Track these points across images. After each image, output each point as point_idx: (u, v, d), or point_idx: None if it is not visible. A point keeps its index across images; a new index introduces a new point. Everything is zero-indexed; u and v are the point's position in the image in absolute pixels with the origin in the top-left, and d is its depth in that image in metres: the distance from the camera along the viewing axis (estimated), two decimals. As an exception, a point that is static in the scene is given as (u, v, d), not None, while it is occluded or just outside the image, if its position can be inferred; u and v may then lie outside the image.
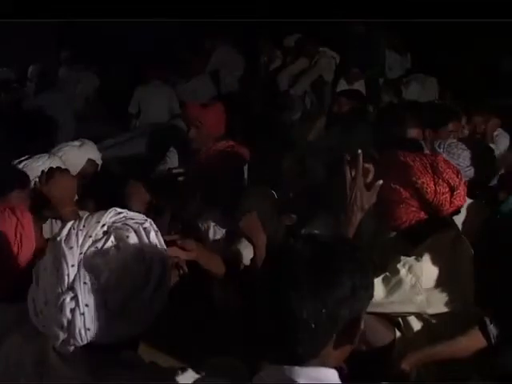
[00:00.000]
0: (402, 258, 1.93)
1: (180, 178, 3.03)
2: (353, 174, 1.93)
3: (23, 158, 2.70)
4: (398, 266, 1.92)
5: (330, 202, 2.05)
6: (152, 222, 1.32)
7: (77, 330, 1.16)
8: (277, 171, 3.37)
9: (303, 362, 1.11)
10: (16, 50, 6.90)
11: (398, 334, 2.00)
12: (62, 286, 1.17)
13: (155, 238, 1.28)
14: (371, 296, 1.15)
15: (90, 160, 3.08)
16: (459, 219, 2.28)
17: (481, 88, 5.52)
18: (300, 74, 6.20)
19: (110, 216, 1.29)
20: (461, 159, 2.63)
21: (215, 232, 2.51)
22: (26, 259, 1.61)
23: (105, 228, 1.25)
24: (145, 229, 1.27)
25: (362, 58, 5.86)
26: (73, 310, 1.16)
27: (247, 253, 2.16)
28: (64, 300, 1.16)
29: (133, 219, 1.30)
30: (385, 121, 3.29)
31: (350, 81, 5.76)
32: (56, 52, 7.58)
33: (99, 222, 1.26)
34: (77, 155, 3.02)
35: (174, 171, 3.14)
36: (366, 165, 1.91)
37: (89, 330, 1.16)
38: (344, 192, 1.91)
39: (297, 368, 1.10)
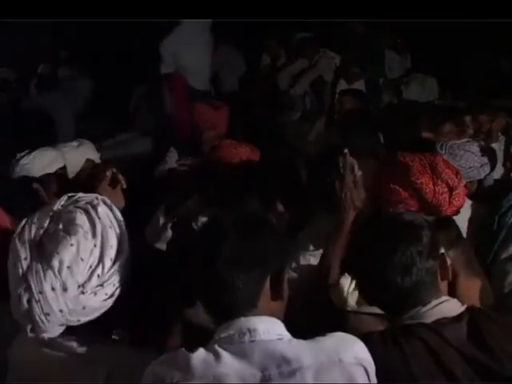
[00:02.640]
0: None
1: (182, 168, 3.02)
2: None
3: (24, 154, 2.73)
4: (398, 266, 1.91)
5: (328, 201, 2.04)
6: (105, 199, 1.36)
7: (37, 317, 1.21)
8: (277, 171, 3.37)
9: (243, 311, 1.23)
10: (16, 50, 6.89)
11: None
12: (16, 279, 1.23)
13: (105, 211, 1.31)
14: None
15: (88, 160, 3.08)
16: (464, 218, 2.28)
17: (481, 88, 5.51)
18: (300, 73, 6.20)
19: (62, 203, 1.34)
20: (463, 160, 2.62)
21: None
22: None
23: (55, 214, 1.30)
24: (93, 206, 1.31)
25: (361, 58, 5.86)
26: (29, 300, 1.21)
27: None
28: (20, 292, 1.22)
29: (83, 200, 1.34)
30: (397, 121, 3.27)
31: (349, 81, 5.76)
32: (56, 52, 7.58)
33: (51, 210, 1.32)
34: (75, 155, 3.02)
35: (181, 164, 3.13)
36: (350, 159, 1.91)
37: (48, 314, 1.20)
38: (333, 191, 1.91)
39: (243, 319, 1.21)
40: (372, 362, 1.24)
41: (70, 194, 1.36)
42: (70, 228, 1.25)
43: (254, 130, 4.18)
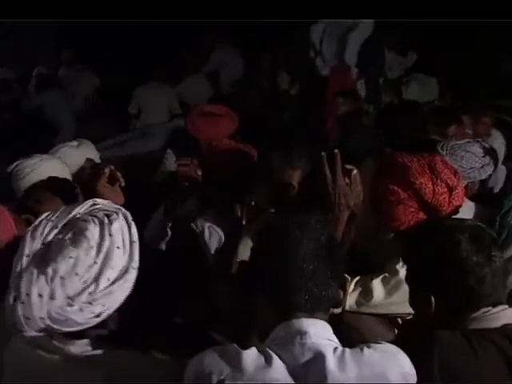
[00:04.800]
0: (401, 258, 1.92)
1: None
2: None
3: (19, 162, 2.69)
4: (397, 266, 1.91)
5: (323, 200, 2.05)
6: (127, 214, 1.33)
7: (16, 318, 1.19)
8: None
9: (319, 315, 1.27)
10: (16, 50, 6.90)
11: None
12: (14, 273, 1.22)
13: (121, 229, 1.27)
14: None
15: (88, 159, 3.08)
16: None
17: (481, 88, 5.51)
18: (300, 73, 6.19)
19: (86, 207, 1.32)
20: (464, 161, 2.61)
21: (211, 233, 2.51)
22: (8, 251, 1.62)
23: (73, 219, 1.28)
24: (110, 220, 1.27)
25: (362, 58, 5.86)
26: (14, 298, 1.20)
27: (243, 250, 2.15)
28: (10, 288, 1.21)
29: (104, 210, 1.31)
30: (404, 122, 3.27)
31: (349, 81, 5.75)
32: (56, 52, 7.58)
33: (71, 212, 1.29)
34: (75, 155, 3.02)
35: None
36: (348, 166, 1.92)
37: (28, 319, 1.19)
38: (327, 192, 1.91)
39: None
40: (415, 374, 1.24)
41: (95, 201, 1.34)
42: (77, 238, 1.23)
43: (253, 129, 4.18)
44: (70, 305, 1.20)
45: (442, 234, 1.52)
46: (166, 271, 1.90)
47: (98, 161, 3.19)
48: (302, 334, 1.21)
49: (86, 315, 1.21)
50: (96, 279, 1.21)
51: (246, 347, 1.22)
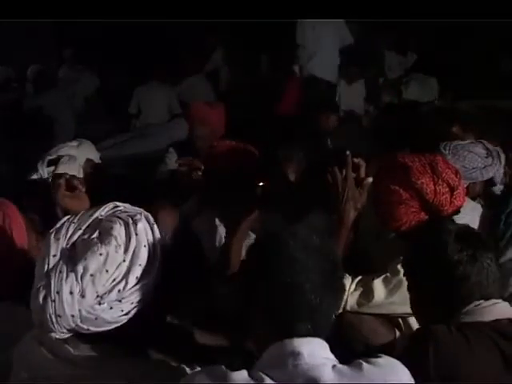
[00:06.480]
0: (402, 258, 1.92)
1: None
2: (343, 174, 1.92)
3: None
4: (398, 266, 1.91)
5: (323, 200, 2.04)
6: (149, 216, 1.34)
7: (47, 316, 1.20)
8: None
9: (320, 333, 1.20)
10: (16, 50, 6.89)
11: (398, 334, 2.00)
12: (41, 273, 1.23)
13: (145, 229, 1.29)
14: None
15: (88, 160, 3.07)
16: (474, 219, 2.28)
17: (481, 88, 5.51)
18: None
19: (107, 210, 1.33)
20: (466, 161, 2.59)
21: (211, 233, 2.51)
22: (20, 252, 1.62)
23: (96, 220, 1.29)
24: (134, 221, 1.29)
25: (361, 58, 5.86)
26: (45, 297, 1.21)
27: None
28: (39, 287, 1.22)
29: (126, 212, 1.33)
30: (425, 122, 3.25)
31: (349, 81, 5.75)
32: (56, 52, 7.58)
33: (93, 215, 1.31)
34: (75, 155, 3.01)
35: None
36: (356, 159, 1.91)
37: (59, 316, 1.20)
38: (335, 192, 1.90)
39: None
40: None
41: (115, 203, 1.35)
42: (104, 237, 1.24)
43: (253, 129, 4.18)
44: (100, 303, 1.21)
45: (431, 236, 1.59)
46: (165, 271, 1.89)
47: (97, 161, 3.18)
48: (295, 355, 1.14)
49: (115, 313, 1.22)
50: (125, 277, 1.23)
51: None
